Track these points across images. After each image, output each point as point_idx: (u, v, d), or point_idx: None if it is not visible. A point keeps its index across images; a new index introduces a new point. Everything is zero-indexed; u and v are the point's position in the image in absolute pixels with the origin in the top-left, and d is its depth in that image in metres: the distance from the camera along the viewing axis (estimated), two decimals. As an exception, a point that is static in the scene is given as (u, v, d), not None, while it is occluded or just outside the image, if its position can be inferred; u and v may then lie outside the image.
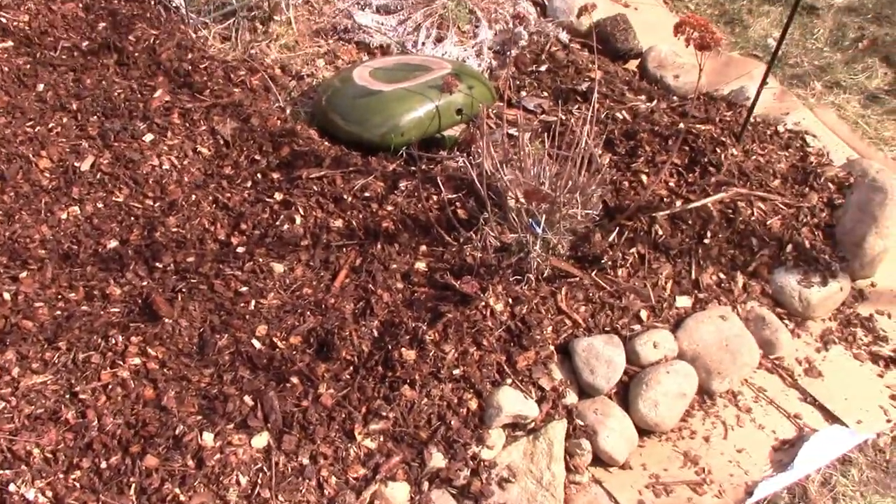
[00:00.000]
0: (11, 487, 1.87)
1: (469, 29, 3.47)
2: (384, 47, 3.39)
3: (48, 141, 2.77)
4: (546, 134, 3.02)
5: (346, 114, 2.91)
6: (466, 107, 2.94)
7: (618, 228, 2.64)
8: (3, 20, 3.19)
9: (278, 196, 2.64)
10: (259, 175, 2.74)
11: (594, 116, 2.84)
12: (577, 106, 3.18)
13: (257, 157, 2.79)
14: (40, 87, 3.01)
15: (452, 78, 2.86)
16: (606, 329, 2.45)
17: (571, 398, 2.31)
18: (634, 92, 3.33)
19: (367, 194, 2.65)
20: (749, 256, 2.70)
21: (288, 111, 3.04)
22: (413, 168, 2.80)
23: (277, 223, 2.56)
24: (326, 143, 2.86)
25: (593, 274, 2.54)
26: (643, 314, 2.51)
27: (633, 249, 2.63)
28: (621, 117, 3.11)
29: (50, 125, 2.85)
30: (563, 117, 3.13)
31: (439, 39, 3.41)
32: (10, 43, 3.14)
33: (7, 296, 2.30)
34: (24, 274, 2.38)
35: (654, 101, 3.23)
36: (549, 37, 3.52)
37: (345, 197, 2.62)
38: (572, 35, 3.65)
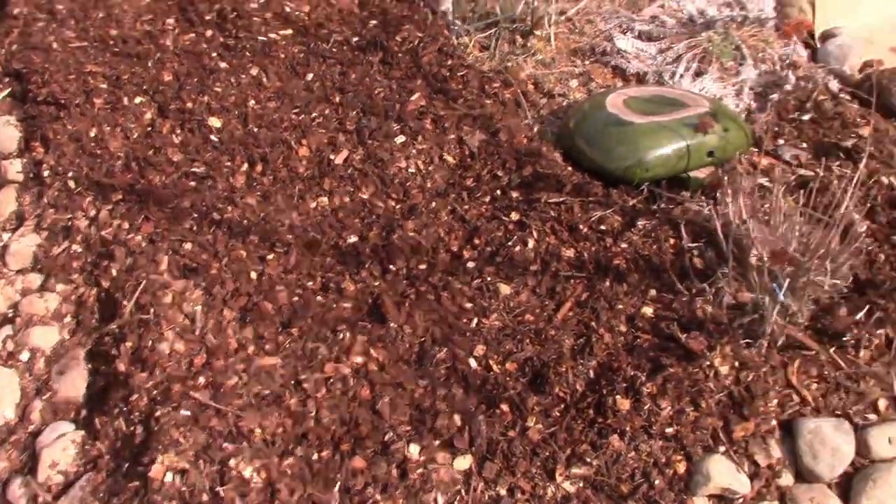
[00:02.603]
0: (231, 462, 2.00)
1: (732, 66, 3.33)
2: (640, 75, 3.32)
3: (309, 130, 2.94)
4: (801, 190, 2.85)
5: (592, 140, 2.88)
6: (719, 150, 2.83)
7: (867, 306, 2.45)
8: (287, 9, 3.41)
9: (514, 216, 2.66)
10: (499, 191, 2.77)
11: (858, 177, 2.65)
12: (838, 163, 2.98)
13: (499, 172, 2.82)
14: (310, 76, 3.19)
15: (709, 118, 2.77)
16: (837, 413, 2.27)
17: (787, 480, 2.17)
18: (905, 152, 3.07)
19: (602, 227, 2.61)
20: None
21: (536, 129, 3.05)
22: (654, 207, 2.73)
23: (510, 243, 2.58)
24: (569, 168, 2.85)
25: (832, 351, 2.37)
26: (881, 404, 2.30)
27: (881, 331, 2.42)
28: (887, 182, 2.87)
29: (313, 115, 3.02)
30: (822, 174, 2.94)
31: (699, 73, 3.29)
32: (289, 31, 3.36)
33: (254, 275, 2.47)
34: (270, 256, 2.54)
35: (928, 169, 2.97)
36: (818, 84, 3.30)
37: (580, 227, 2.59)
38: (843, 83, 3.41)
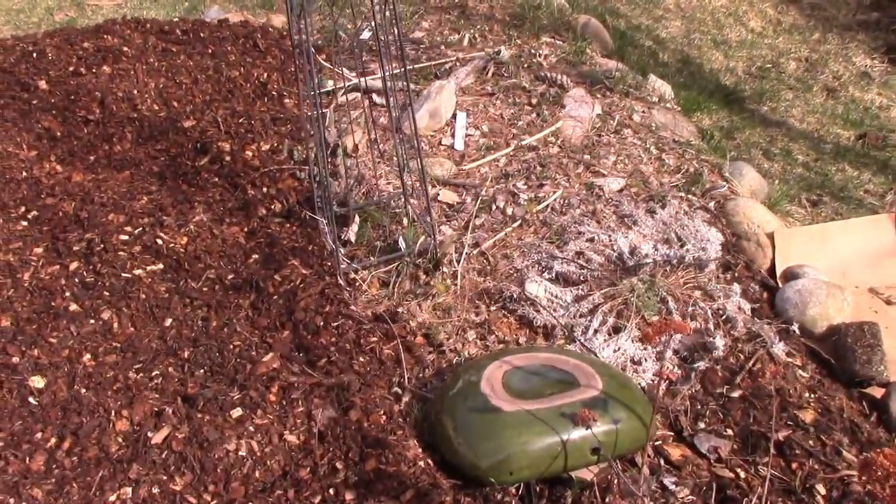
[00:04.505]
0: None
1: (656, 321, 2.84)
2: (548, 328, 2.86)
3: (139, 396, 2.55)
4: (711, 494, 2.31)
5: (458, 427, 2.40)
6: (607, 446, 2.31)
7: None
8: (160, 241, 3.09)
9: (338, 530, 2.18)
10: (332, 490, 2.30)
11: (770, 486, 2.10)
12: (766, 459, 2.43)
13: (339, 464, 2.36)
14: (168, 322, 2.83)
15: (588, 411, 2.27)
16: None
17: None
18: (860, 446, 2.50)
19: (440, 555, 2.11)
20: None
21: (404, 401, 2.60)
22: (514, 522, 2.22)
23: (322, 570, 2.09)
24: (422, 462, 2.37)
25: None
26: None
27: None
28: (822, 493, 2.31)
29: (153, 373, 2.64)
30: (742, 474, 2.39)
31: (616, 329, 2.81)
32: (160, 266, 3.03)
33: None
34: (34, 573, 2.11)
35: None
36: (763, 344, 2.79)
37: (409, 555, 2.10)
38: (801, 333, 2.89)
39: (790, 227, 3.47)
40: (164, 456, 2.40)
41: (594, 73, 4.27)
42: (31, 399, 2.55)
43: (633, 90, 4.17)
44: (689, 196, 3.43)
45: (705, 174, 3.57)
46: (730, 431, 2.54)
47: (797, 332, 2.87)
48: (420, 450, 2.43)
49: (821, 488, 2.33)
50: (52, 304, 2.86)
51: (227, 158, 3.53)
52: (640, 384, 2.67)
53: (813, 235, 3.30)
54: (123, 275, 2.97)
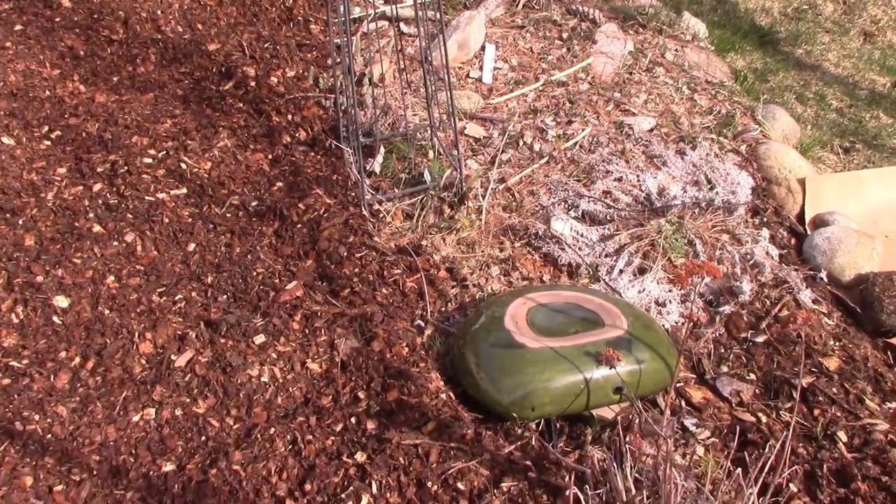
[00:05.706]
0: None
1: (683, 263, 2.81)
2: (572, 267, 2.83)
3: (163, 319, 2.55)
4: (732, 437, 2.31)
5: (480, 362, 2.40)
6: (630, 386, 2.31)
7: None
8: (184, 165, 3.06)
9: (360, 457, 2.19)
10: (353, 419, 2.31)
11: (793, 432, 2.10)
12: (789, 405, 2.42)
13: (361, 394, 2.37)
14: (191, 246, 2.83)
15: (612, 351, 2.25)
16: None
17: None
18: (882, 395, 2.49)
19: (460, 486, 2.11)
20: None
21: (426, 333, 2.59)
22: (531, 456, 2.22)
23: (343, 495, 2.11)
24: (443, 395, 2.37)
25: None
26: None
27: None
28: (844, 441, 2.30)
29: (177, 297, 2.64)
30: (763, 419, 2.39)
31: (642, 270, 2.79)
32: (183, 190, 3.01)
33: (28, 514, 2.06)
34: (59, 487, 2.13)
35: (906, 422, 2.38)
36: (790, 290, 2.76)
37: (429, 485, 2.11)
38: (828, 281, 2.86)
39: (822, 173, 3.41)
40: (187, 379, 2.41)
41: (627, 9, 4.16)
42: (55, 318, 2.56)
43: (666, 27, 4.07)
44: (721, 138, 3.36)
45: (737, 116, 3.50)
46: (752, 376, 2.53)
47: (824, 279, 2.84)
48: (442, 383, 2.44)
49: (842, 435, 2.32)
50: (76, 224, 2.85)
51: (252, 84, 3.48)
52: (663, 326, 2.65)
53: (844, 183, 3.24)
54: (147, 198, 2.96)
